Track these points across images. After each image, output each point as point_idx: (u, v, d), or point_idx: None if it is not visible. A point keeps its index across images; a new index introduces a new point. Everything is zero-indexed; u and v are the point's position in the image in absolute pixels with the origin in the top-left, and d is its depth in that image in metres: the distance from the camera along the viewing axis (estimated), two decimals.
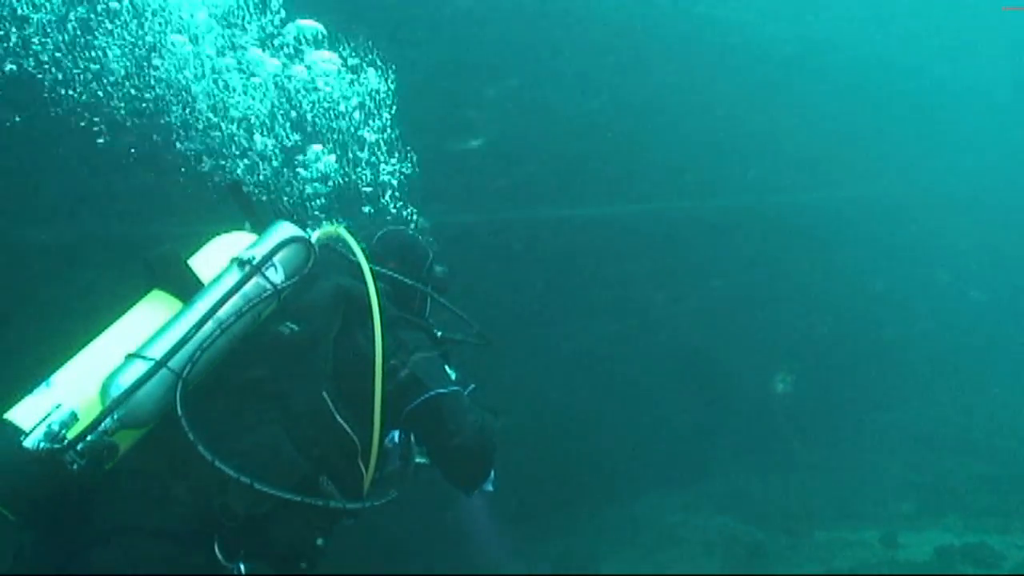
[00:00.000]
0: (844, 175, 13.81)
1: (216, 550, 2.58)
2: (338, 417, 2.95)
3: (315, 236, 3.27)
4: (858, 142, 14.26)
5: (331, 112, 5.58)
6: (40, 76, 5.09)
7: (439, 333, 3.54)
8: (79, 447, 2.30)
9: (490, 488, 3.32)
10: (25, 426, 2.30)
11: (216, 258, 2.95)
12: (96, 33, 5.06)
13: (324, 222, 3.45)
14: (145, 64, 5.15)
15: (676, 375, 8.35)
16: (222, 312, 2.71)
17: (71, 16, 4.99)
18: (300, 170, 5.08)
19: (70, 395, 2.42)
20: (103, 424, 2.36)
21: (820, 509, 6.13)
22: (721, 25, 14.46)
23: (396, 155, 5.80)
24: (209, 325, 2.65)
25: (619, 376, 8.43)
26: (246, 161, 5.01)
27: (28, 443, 2.25)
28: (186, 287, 2.81)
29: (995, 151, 16.97)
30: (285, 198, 3.52)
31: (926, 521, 5.84)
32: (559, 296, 9.44)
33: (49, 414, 2.33)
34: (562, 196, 10.43)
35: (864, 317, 11.53)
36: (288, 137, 5.33)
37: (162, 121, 5.09)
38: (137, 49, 5.14)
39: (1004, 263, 14.59)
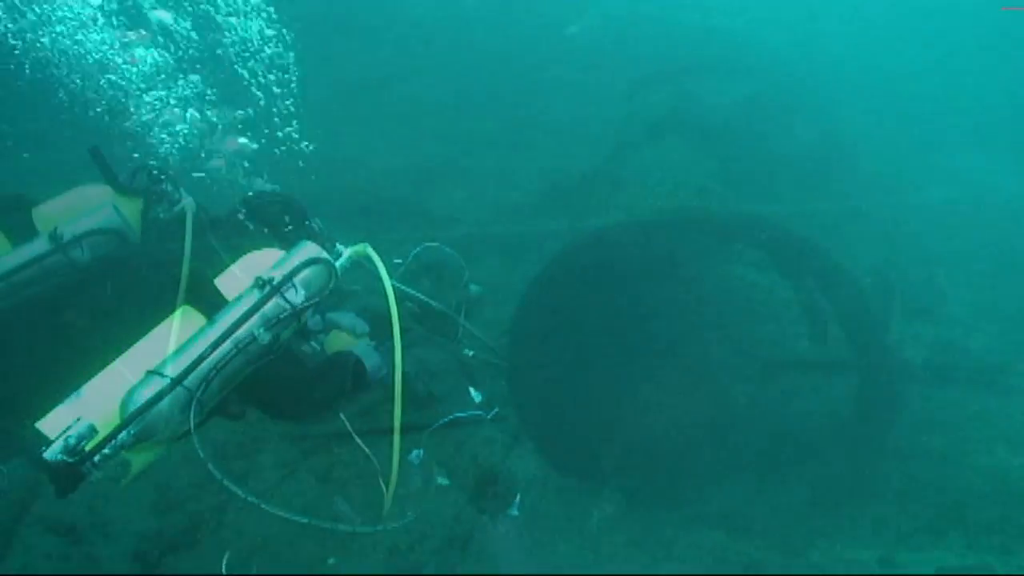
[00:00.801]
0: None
1: (223, 566, 2.64)
2: (356, 438, 3.00)
3: (345, 254, 3.29)
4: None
5: None
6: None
7: (470, 353, 3.59)
8: (95, 459, 2.36)
9: (516, 513, 3.37)
10: (51, 436, 2.36)
11: (242, 276, 2.95)
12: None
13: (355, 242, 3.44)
14: None
15: (675, 386, 8.38)
16: (240, 332, 2.72)
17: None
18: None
19: (92, 408, 2.46)
20: (119, 438, 2.41)
21: (817, 527, 6.20)
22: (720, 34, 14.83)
23: None
24: (226, 345, 2.68)
25: (615, 387, 8.42)
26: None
27: (47, 455, 2.30)
28: (211, 305, 2.82)
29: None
30: (317, 220, 3.49)
31: (926, 540, 5.94)
32: (558, 307, 9.42)
33: (69, 427, 2.37)
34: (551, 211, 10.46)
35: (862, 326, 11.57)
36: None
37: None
38: None
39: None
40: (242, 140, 5.22)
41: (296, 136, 6.06)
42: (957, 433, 7.30)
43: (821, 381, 7.96)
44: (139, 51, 5.18)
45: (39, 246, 2.78)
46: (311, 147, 6.17)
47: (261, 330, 2.75)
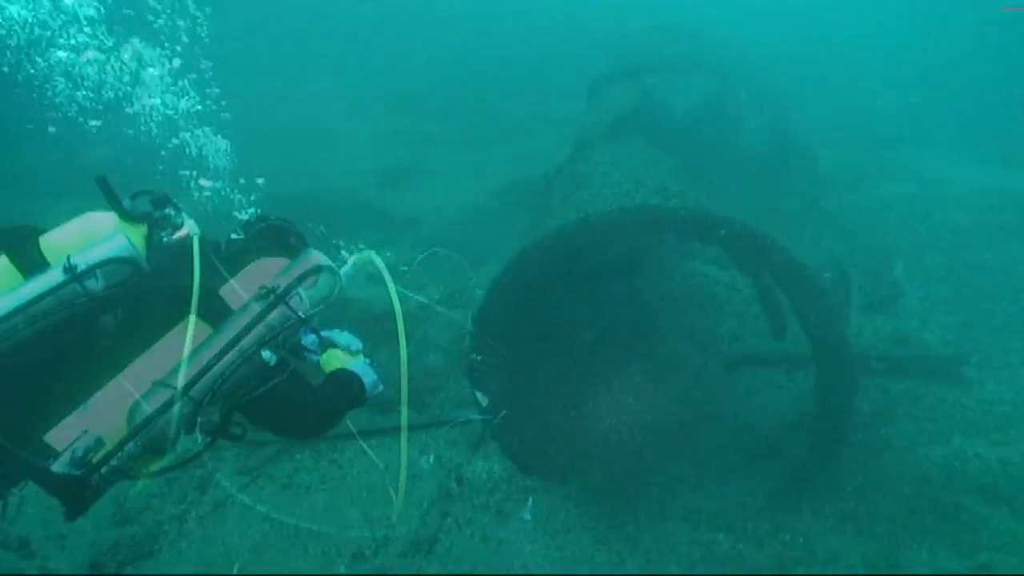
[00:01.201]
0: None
1: (234, 568, 2.63)
2: (363, 444, 2.99)
3: (350, 261, 3.29)
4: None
5: None
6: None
7: (478, 357, 3.59)
8: (103, 471, 2.37)
9: (528, 517, 3.39)
10: (59, 448, 2.35)
11: (248, 285, 2.92)
12: None
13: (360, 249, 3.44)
14: None
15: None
16: (245, 342, 2.71)
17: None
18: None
19: (99, 420, 2.45)
20: (126, 449, 2.42)
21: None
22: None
23: None
24: (231, 354, 2.66)
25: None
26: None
27: (55, 467, 2.30)
28: (216, 315, 2.80)
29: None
30: (322, 226, 3.47)
31: (928, 540, 5.98)
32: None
33: (76, 439, 2.37)
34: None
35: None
36: None
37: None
38: None
39: None
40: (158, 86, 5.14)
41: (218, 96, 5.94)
42: (914, 424, 7.41)
43: (782, 376, 8.08)
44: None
45: (54, 276, 2.74)
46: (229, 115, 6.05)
47: (268, 352, 2.74)
